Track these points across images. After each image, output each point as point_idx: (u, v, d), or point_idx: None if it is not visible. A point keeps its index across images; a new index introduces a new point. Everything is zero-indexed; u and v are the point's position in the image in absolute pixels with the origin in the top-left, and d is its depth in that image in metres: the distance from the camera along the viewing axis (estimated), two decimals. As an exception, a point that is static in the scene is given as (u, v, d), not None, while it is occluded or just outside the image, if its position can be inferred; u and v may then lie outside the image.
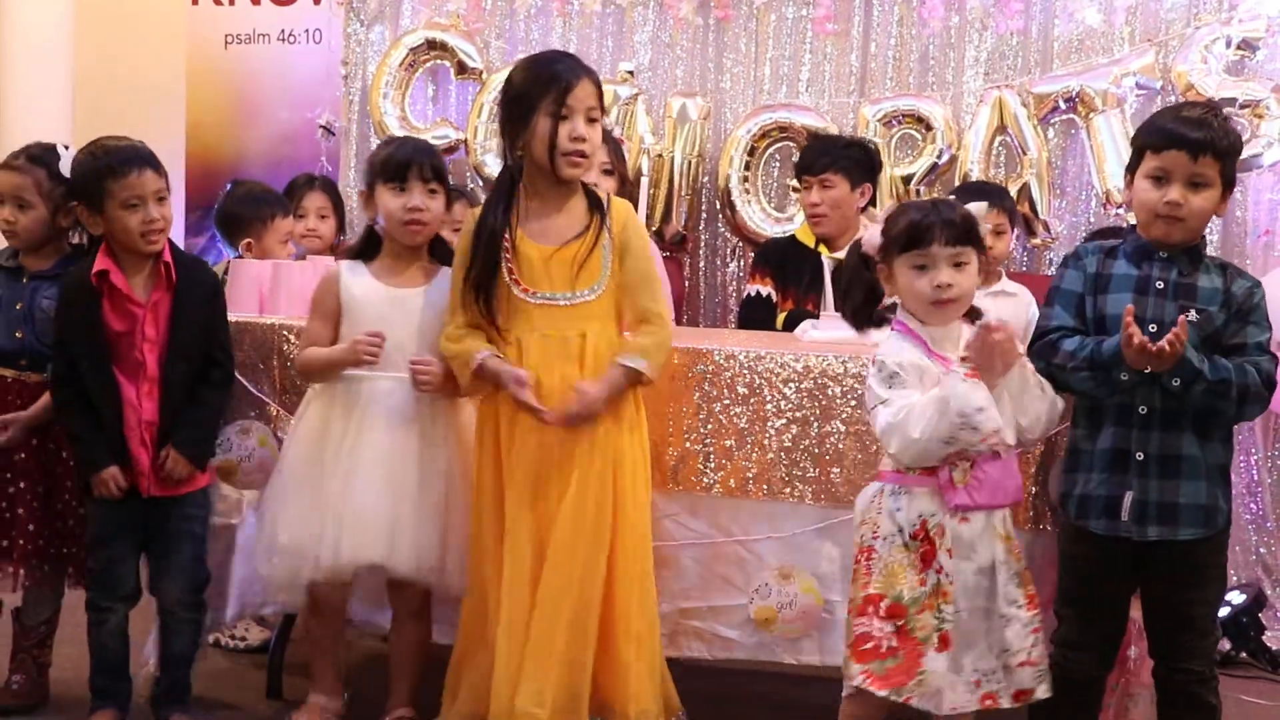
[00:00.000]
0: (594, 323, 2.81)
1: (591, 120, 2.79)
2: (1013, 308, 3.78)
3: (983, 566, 2.57)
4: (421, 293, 2.98)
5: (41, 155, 3.20)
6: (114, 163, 2.95)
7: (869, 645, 2.58)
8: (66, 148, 3.22)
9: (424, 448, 2.94)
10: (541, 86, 2.77)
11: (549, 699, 2.72)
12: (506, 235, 2.81)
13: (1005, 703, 2.60)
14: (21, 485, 3.15)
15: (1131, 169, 2.67)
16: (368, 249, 3.04)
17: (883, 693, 2.56)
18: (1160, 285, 2.61)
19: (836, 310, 3.15)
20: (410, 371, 2.90)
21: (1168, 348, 2.46)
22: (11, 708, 3.21)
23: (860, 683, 2.57)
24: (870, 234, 2.69)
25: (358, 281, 2.98)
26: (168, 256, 3.01)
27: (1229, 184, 2.62)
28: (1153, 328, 2.57)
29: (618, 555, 2.80)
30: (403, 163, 2.94)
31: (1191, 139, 2.56)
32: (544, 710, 2.71)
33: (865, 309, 2.74)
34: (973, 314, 2.63)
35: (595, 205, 2.84)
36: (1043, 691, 2.60)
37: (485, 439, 2.87)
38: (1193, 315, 2.57)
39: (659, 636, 2.88)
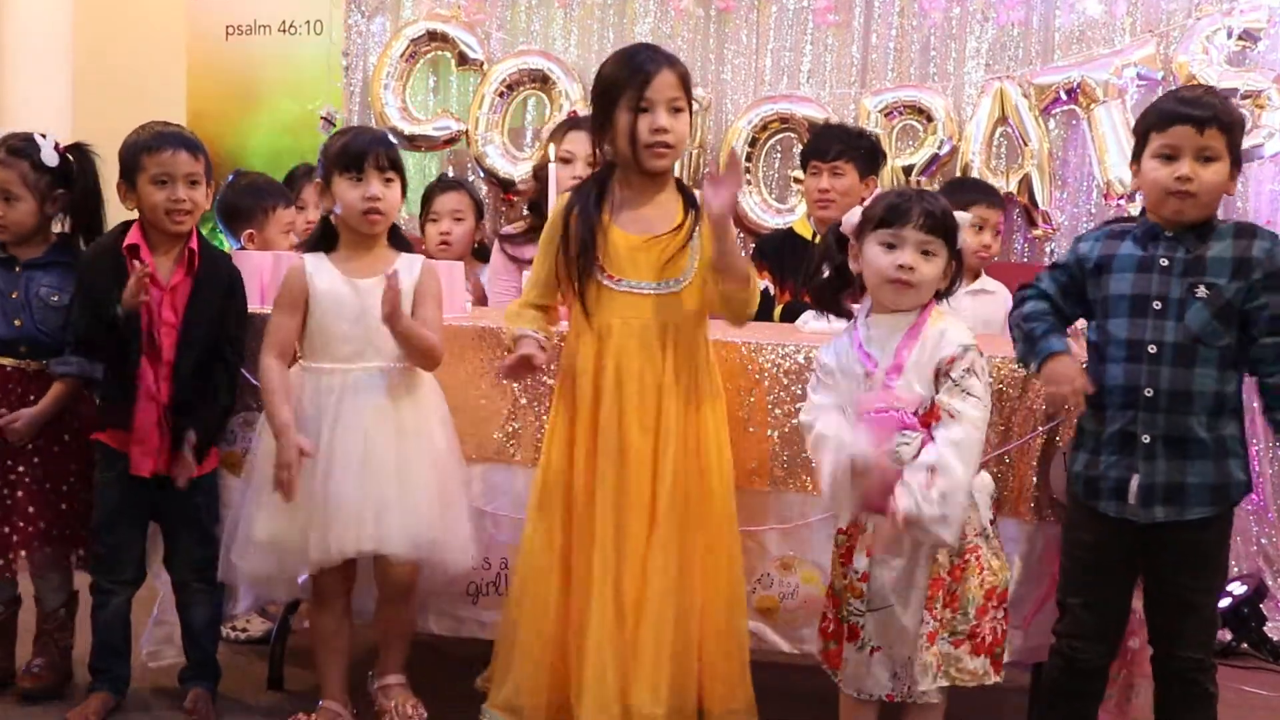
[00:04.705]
0: (677, 314, 2.78)
1: (677, 110, 2.77)
2: (992, 306, 3.80)
3: (911, 561, 2.59)
4: (384, 280, 2.94)
5: (22, 147, 3.21)
6: (151, 139, 3.03)
7: (823, 624, 2.72)
8: (44, 136, 3.22)
9: (402, 432, 2.93)
10: (621, 81, 2.76)
11: (664, 697, 2.71)
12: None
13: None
14: (21, 470, 3.16)
15: (1137, 155, 2.67)
16: (326, 240, 3.02)
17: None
18: (1165, 263, 2.59)
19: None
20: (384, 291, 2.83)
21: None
22: (34, 690, 3.23)
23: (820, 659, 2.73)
24: (851, 214, 2.71)
25: (322, 274, 2.96)
26: (194, 244, 3.04)
27: (1236, 160, 2.60)
28: (1156, 305, 2.57)
29: (703, 544, 2.79)
30: (359, 153, 2.93)
31: (1196, 113, 2.56)
32: (660, 709, 2.70)
33: (830, 290, 2.76)
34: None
35: (690, 202, 2.83)
36: (932, 694, 2.61)
37: (559, 425, 2.84)
38: (1201, 291, 2.56)
39: (746, 631, 2.85)
